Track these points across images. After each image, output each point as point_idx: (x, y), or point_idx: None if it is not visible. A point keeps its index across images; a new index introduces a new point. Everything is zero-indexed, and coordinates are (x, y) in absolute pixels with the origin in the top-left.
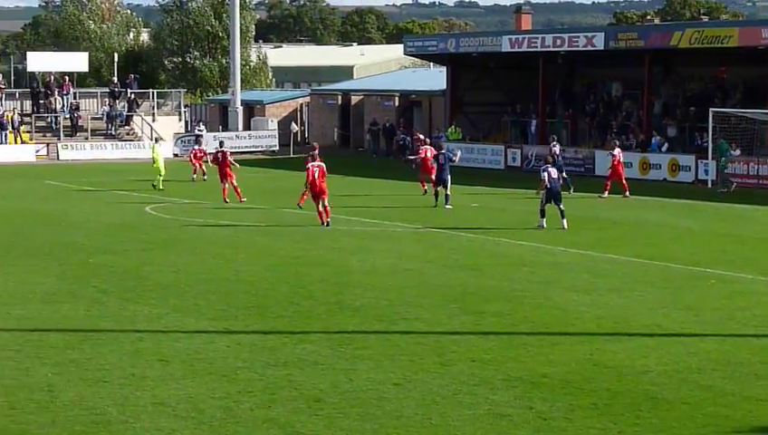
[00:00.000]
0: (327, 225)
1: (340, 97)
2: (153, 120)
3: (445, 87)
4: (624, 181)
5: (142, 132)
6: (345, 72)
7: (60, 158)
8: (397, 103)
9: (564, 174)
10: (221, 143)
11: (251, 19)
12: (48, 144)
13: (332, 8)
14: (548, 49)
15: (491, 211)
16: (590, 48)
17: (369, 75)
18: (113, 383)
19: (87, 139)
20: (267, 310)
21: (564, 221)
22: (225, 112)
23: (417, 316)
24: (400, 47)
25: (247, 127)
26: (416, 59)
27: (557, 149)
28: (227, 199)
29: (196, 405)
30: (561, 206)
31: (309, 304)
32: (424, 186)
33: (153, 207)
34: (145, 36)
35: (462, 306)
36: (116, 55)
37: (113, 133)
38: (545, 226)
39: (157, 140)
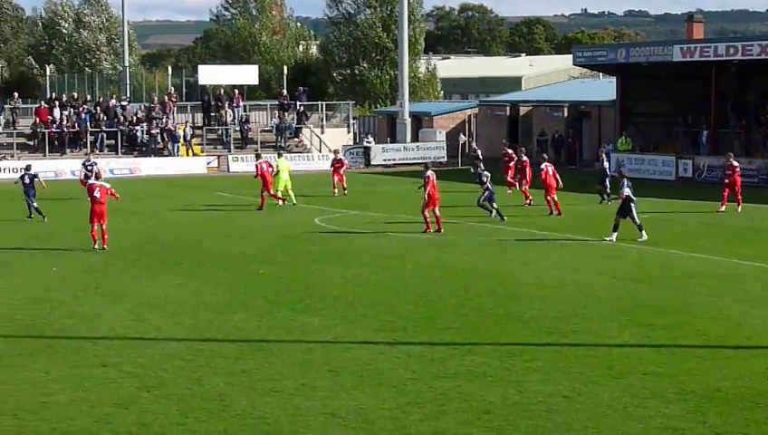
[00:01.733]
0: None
1: (508, 108)
2: (322, 133)
3: (614, 97)
4: (739, 194)
5: (311, 144)
6: (513, 82)
7: (230, 170)
8: (566, 114)
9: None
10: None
11: (420, 31)
12: (219, 156)
13: (500, 19)
14: (720, 58)
15: (661, 222)
16: (764, 57)
17: (537, 86)
18: (284, 393)
19: (257, 151)
20: (435, 321)
21: (643, 232)
22: (394, 124)
23: (586, 328)
24: (569, 57)
25: (415, 138)
26: (585, 69)
27: (606, 164)
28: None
29: (366, 416)
30: (637, 219)
31: (477, 316)
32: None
33: (322, 218)
34: (314, 49)
35: (632, 318)
36: (285, 68)
37: (282, 145)
38: (615, 241)
39: (280, 155)
